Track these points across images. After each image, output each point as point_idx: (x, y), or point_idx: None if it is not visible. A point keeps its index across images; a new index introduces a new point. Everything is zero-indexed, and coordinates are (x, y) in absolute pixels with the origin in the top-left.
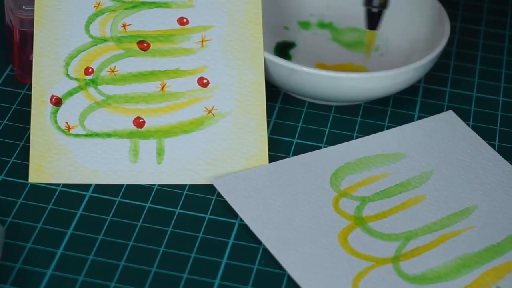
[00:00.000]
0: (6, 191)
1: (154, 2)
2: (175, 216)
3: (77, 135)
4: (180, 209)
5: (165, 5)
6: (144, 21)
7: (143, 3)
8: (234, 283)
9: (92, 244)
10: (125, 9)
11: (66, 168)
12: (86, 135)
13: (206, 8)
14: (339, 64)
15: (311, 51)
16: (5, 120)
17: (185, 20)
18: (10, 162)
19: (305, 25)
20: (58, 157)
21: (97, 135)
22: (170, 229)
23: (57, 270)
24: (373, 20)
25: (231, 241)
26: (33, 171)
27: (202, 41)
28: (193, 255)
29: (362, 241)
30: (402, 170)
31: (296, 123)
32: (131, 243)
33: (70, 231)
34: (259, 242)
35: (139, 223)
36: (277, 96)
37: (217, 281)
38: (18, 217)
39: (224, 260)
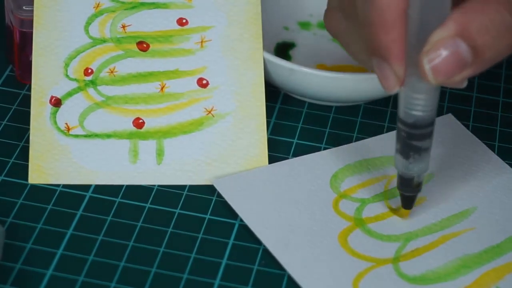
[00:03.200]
0: (6, 191)
1: (153, 3)
2: (175, 216)
3: (76, 136)
4: (180, 209)
5: (164, 6)
6: (143, 22)
7: (142, 4)
8: (234, 283)
9: (92, 245)
10: (125, 9)
11: (66, 168)
12: (85, 136)
13: (206, 8)
14: (339, 65)
15: (311, 52)
16: (5, 120)
17: (184, 20)
18: (10, 162)
19: (305, 25)
20: (58, 157)
21: (96, 135)
22: (170, 229)
23: (57, 271)
24: (408, 202)
25: (231, 241)
26: (32, 171)
27: (202, 41)
28: (193, 255)
29: (362, 242)
30: None
31: (296, 123)
32: (131, 243)
33: (70, 232)
34: (259, 242)
35: (139, 223)
36: (277, 96)
37: (217, 282)
38: (18, 217)
39: (224, 261)
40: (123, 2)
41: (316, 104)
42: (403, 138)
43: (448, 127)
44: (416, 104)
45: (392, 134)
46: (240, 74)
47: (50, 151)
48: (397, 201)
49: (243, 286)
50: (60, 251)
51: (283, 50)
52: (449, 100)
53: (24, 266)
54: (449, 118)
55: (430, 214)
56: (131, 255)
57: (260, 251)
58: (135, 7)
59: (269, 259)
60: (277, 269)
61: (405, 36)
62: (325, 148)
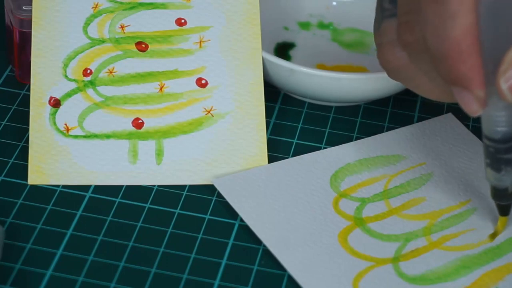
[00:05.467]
0: (6, 191)
1: (151, 3)
2: (175, 216)
3: (76, 137)
4: (180, 209)
5: (163, 6)
6: (142, 22)
7: (141, 4)
8: (234, 283)
9: (92, 245)
10: (123, 10)
11: (66, 169)
12: (85, 136)
13: (204, 8)
14: (339, 65)
15: (311, 52)
16: (5, 120)
17: (183, 21)
18: (10, 162)
19: (305, 25)
20: (57, 158)
21: (96, 136)
22: (170, 230)
23: (57, 271)
24: (506, 210)
25: (231, 241)
26: (32, 172)
27: (200, 41)
28: (193, 255)
29: (362, 242)
30: (402, 171)
31: (296, 123)
32: (131, 243)
33: (70, 232)
34: (259, 242)
35: (139, 223)
36: (277, 96)
37: (217, 282)
38: (18, 217)
39: (224, 261)
40: (121, 3)
41: (316, 104)
42: (492, 153)
43: (448, 127)
44: (500, 121)
45: (392, 134)
46: (239, 74)
47: (50, 152)
48: (397, 201)
49: (243, 286)
50: (60, 251)
51: (283, 50)
52: None
53: (24, 266)
54: (449, 117)
55: (429, 215)
56: (131, 255)
57: (260, 251)
58: (133, 7)
59: (269, 259)
60: (277, 269)
61: (481, 62)
62: (325, 148)
